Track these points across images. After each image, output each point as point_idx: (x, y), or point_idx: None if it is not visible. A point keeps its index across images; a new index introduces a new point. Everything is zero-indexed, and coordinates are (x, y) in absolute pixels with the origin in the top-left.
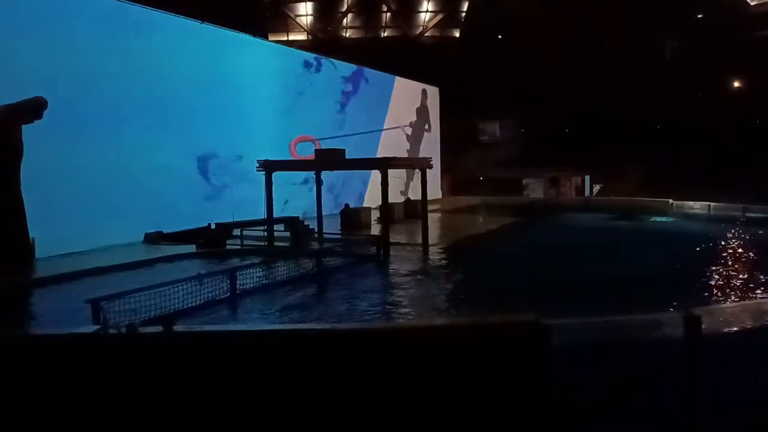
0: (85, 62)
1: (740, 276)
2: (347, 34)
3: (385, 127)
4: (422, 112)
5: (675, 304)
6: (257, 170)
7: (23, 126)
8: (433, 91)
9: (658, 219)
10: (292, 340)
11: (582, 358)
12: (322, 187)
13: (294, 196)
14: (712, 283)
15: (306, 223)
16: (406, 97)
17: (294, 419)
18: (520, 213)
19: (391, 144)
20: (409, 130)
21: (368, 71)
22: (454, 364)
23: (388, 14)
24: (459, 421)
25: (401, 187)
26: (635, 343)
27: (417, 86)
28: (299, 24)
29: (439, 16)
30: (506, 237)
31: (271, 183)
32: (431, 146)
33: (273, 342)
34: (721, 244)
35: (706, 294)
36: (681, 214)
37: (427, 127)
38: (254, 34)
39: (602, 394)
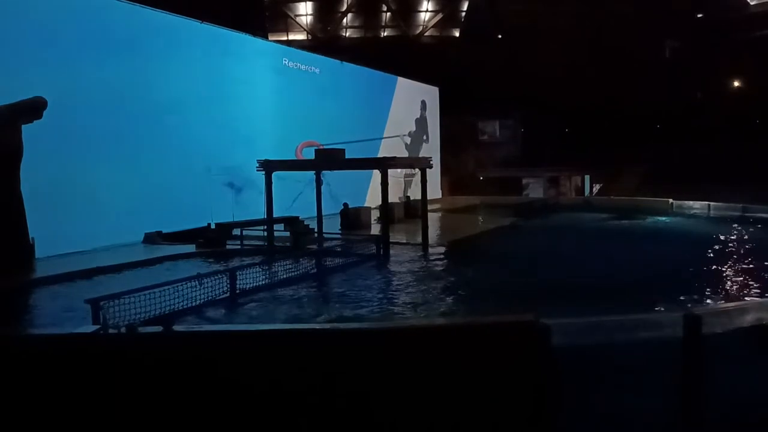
0: (85, 62)
1: (741, 276)
2: (347, 34)
3: (385, 135)
4: (421, 123)
5: (675, 303)
6: (257, 170)
7: (23, 126)
8: (432, 91)
9: (659, 219)
10: (291, 339)
11: (582, 358)
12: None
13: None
14: (713, 282)
15: (306, 223)
16: (408, 101)
17: (293, 417)
18: (519, 213)
19: (391, 150)
20: (408, 140)
21: (371, 72)
22: (454, 363)
23: (388, 14)
24: (459, 420)
25: (400, 193)
26: (636, 342)
27: (417, 96)
28: (299, 24)
29: (439, 16)
30: (506, 237)
31: (271, 183)
32: (431, 146)
33: (273, 341)
34: (721, 244)
35: (707, 294)
36: (681, 213)
37: (425, 137)
38: (254, 34)
39: (602, 393)
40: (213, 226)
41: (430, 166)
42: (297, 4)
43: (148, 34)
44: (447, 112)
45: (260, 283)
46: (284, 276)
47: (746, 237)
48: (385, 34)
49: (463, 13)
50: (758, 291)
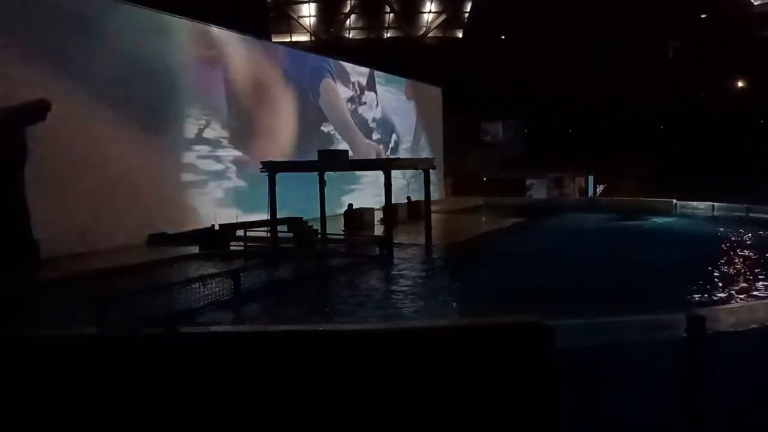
0: (88, 63)
1: (744, 276)
2: (350, 35)
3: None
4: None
5: (679, 304)
6: (260, 171)
7: (27, 127)
8: (436, 92)
9: (662, 219)
10: (291, 339)
11: (583, 358)
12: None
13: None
14: (717, 283)
15: (309, 223)
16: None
17: (293, 417)
18: (523, 213)
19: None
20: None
21: (377, 74)
22: (456, 364)
23: (391, 15)
24: (460, 421)
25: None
26: (639, 343)
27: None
28: (302, 25)
29: (442, 17)
30: (509, 237)
31: (275, 184)
32: (434, 147)
33: (273, 341)
34: (726, 245)
35: (710, 294)
36: (685, 214)
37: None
38: (257, 36)
39: (604, 394)
40: (217, 227)
41: (434, 167)
42: (300, 5)
43: (152, 35)
44: (450, 113)
45: (262, 283)
46: (287, 277)
47: (750, 237)
48: (388, 35)
49: (466, 14)
50: (761, 291)
